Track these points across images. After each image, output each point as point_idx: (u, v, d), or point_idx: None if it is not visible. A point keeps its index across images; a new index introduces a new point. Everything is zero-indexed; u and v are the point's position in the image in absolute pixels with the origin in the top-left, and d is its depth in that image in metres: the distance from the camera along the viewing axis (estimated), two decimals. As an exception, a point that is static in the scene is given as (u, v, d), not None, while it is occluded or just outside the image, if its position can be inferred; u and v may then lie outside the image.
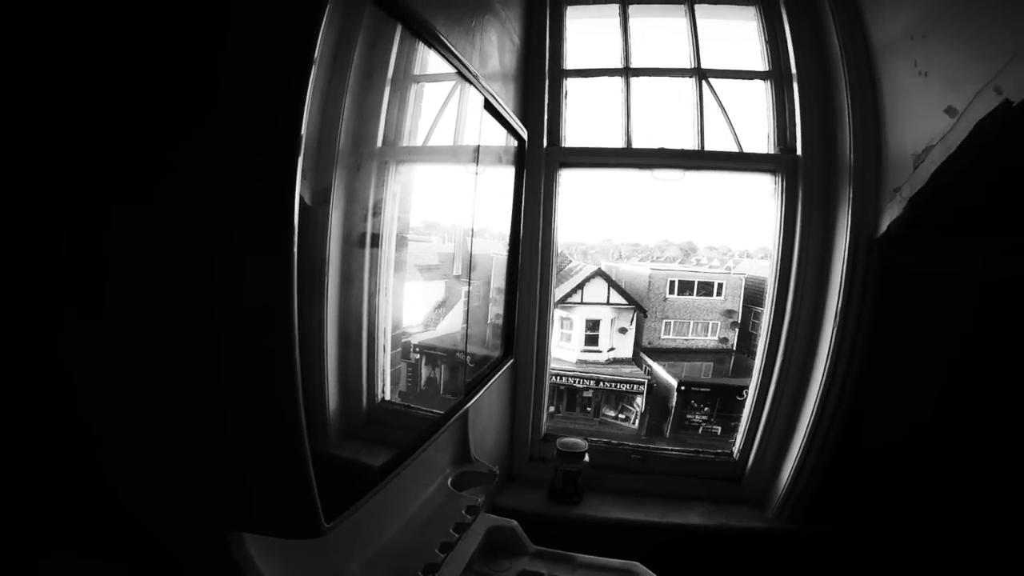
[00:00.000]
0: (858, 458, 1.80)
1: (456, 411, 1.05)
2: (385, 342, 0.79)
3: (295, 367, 0.51)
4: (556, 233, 2.03)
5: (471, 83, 1.01)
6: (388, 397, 0.83)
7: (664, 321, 11.03)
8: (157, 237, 0.55)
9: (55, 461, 0.58)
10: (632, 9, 2.04)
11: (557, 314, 9.81)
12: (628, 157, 1.99)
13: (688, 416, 9.57)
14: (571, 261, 11.29)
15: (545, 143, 1.96)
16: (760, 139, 1.95)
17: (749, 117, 2.02)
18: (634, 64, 2.03)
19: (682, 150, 1.96)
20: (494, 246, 1.54)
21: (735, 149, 1.93)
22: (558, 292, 10.15)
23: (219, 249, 0.53)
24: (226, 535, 0.59)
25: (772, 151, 1.91)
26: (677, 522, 1.89)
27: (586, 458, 1.91)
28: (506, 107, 1.23)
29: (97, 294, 0.55)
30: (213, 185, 0.53)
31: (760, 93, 2.00)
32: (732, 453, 2.08)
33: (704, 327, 10.99)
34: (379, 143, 0.75)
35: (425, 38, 0.81)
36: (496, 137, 1.38)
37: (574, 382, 9.20)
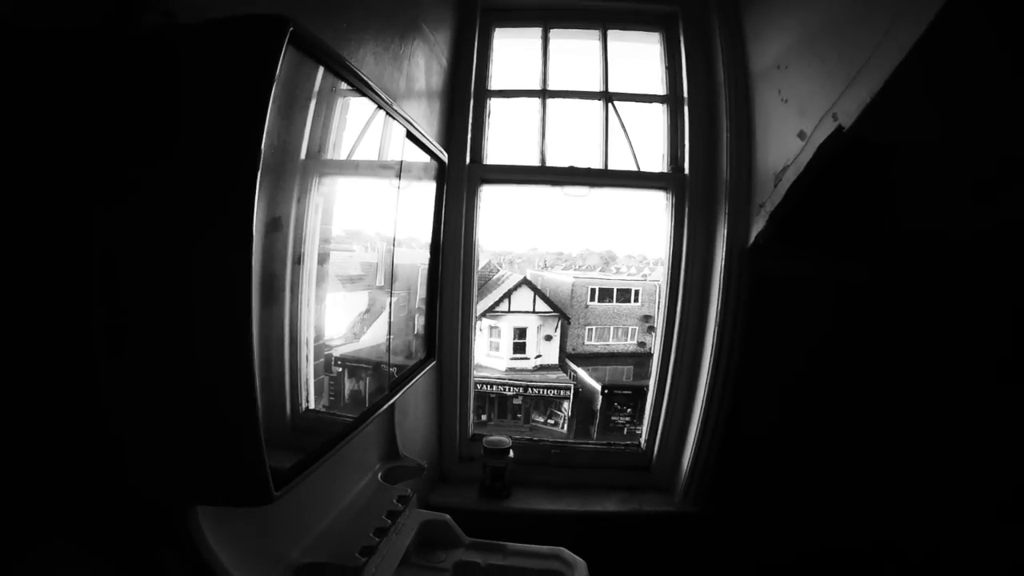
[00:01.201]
0: (742, 444, 2.00)
1: (382, 404, 1.10)
2: (308, 352, 0.82)
3: (251, 355, 0.58)
4: (477, 245, 2.13)
5: (394, 118, 1.08)
6: (312, 406, 0.86)
7: (587, 327, 11.51)
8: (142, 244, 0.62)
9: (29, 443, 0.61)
10: (554, 32, 2.19)
11: (486, 323, 9.92)
12: (542, 174, 2.13)
13: (613, 418, 10.02)
14: (499, 270, 11.48)
15: (468, 160, 2.06)
16: (657, 158, 2.14)
17: (649, 137, 2.20)
18: (551, 87, 2.18)
19: (589, 168, 2.11)
20: (418, 257, 1.59)
21: (634, 168, 2.10)
22: (487, 301, 10.28)
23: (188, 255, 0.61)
24: (186, 512, 0.65)
25: (665, 170, 2.10)
26: (596, 510, 2.02)
27: (511, 454, 2.01)
28: (427, 135, 1.31)
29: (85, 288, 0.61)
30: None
31: (659, 115, 2.17)
32: (640, 445, 2.23)
33: (624, 332, 11.59)
34: (302, 156, 0.78)
35: (351, 82, 0.87)
36: (420, 155, 1.46)
37: (504, 390, 9.36)
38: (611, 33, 2.19)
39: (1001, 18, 1.15)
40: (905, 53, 1.21)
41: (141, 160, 0.62)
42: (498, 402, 8.91)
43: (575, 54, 2.29)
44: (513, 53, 2.28)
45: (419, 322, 1.61)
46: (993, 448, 1.98)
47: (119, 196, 0.62)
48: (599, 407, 9.87)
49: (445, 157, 1.68)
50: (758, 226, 1.78)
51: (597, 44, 2.19)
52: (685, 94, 2.08)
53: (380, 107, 1.00)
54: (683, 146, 2.09)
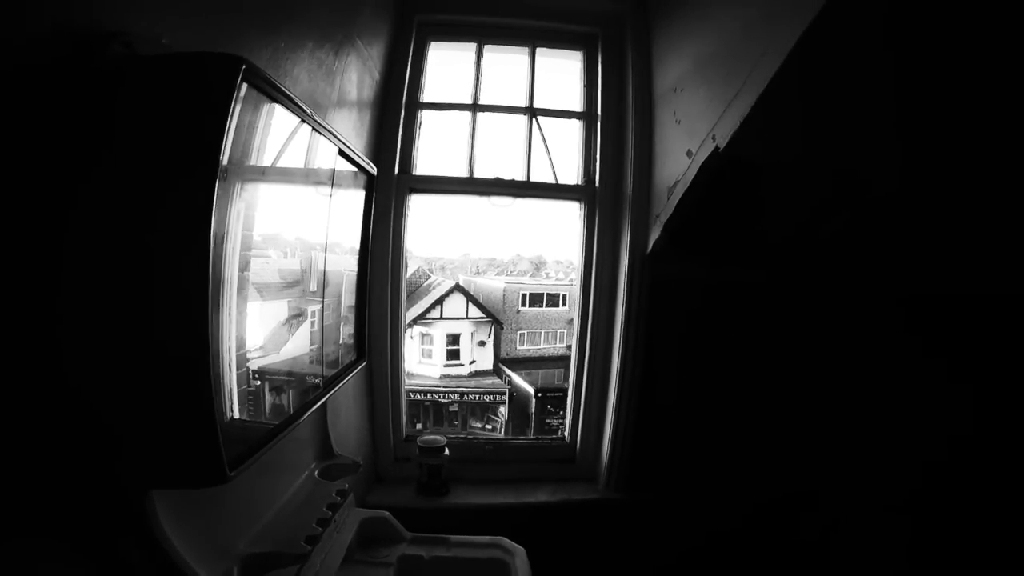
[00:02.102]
0: (652, 433, 2.20)
1: (318, 400, 1.17)
2: (231, 360, 0.84)
3: (207, 343, 0.67)
4: (405, 252, 2.22)
5: (327, 138, 1.16)
6: (238, 416, 0.88)
7: (519, 332, 11.74)
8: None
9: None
10: (487, 48, 2.32)
11: (418, 331, 9.86)
12: (469, 185, 2.26)
13: (547, 420, 10.31)
14: (430, 276, 11.44)
15: (397, 170, 2.14)
16: (574, 171, 2.31)
17: (568, 151, 2.35)
18: (481, 101, 2.30)
19: (513, 180, 2.26)
20: (347, 264, 1.63)
21: (552, 180, 2.28)
22: (418, 308, 10.21)
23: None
24: (145, 503, 0.72)
25: (579, 182, 2.29)
26: (530, 501, 2.16)
27: (446, 452, 2.11)
28: (357, 151, 1.38)
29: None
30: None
31: (576, 130, 2.33)
32: (565, 438, 2.40)
33: (554, 336, 11.95)
34: (225, 162, 0.81)
35: (291, 110, 0.95)
36: (349, 165, 1.55)
37: (439, 397, 9.36)
38: (539, 51, 2.34)
39: (846, 57, 1.41)
40: (767, 83, 1.40)
41: (88, 176, 0.70)
42: (433, 409, 8.89)
43: (506, 67, 2.44)
44: (449, 66, 2.39)
45: (348, 327, 1.68)
46: (867, 424, 2.35)
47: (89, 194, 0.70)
48: (533, 410, 10.11)
49: (374, 170, 1.76)
50: (655, 235, 1.99)
51: (526, 60, 2.34)
52: (599, 111, 2.26)
53: (315, 130, 1.09)
54: (595, 160, 2.26)
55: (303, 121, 1.01)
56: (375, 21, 1.91)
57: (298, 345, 1.14)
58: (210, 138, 0.70)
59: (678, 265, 2.07)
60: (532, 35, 2.31)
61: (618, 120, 2.22)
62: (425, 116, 2.27)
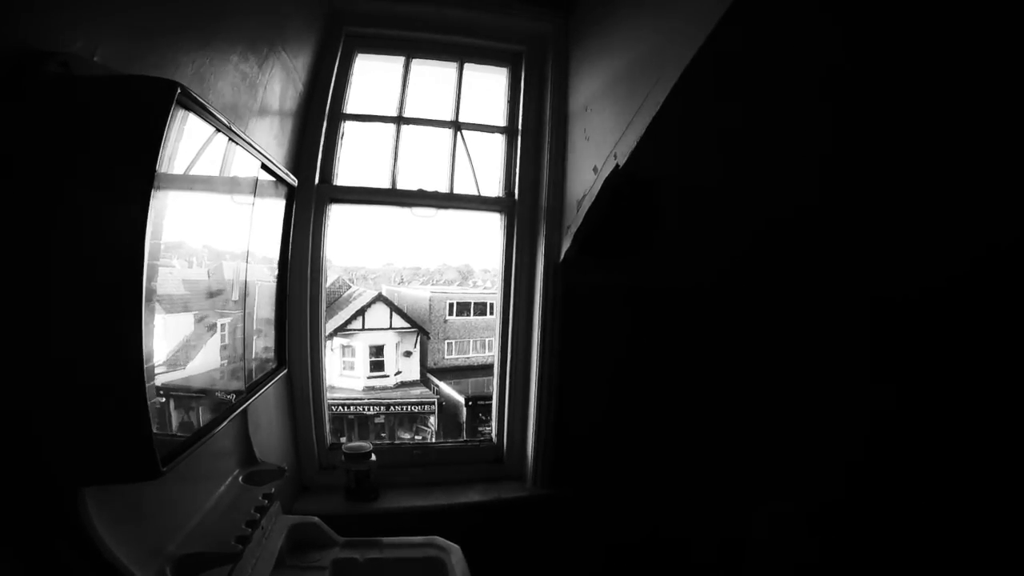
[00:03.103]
0: (572, 430, 2.35)
1: (241, 404, 1.21)
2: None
3: (140, 341, 0.73)
4: (325, 261, 2.26)
5: (245, 149, 1.19)
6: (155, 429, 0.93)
7: (446, 341, 11.74)
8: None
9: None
10: (416, 62, 2.39)
11: (338, 342, 9.59)
12: (392, 196, 2.33)
13: (479, 428, 10.38)
14: (350, 287, 11.16)
15: (317, 180, 2.18)
16: (496, 183, 2.45)
17: (491, 164, 2.48)
18: (407, 114, 2.36)
19: (435, 192, 2.35)
20: (264, 274, 1.64)
21: (475, 192, 2.40)
22: (338, 319, 9.94)
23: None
24: (76, 495, 0.76)
25: (501, 194, 2.43)
26: (462, 501, 2.23)
27: (373, 458, 2.16)
28: (277, 163, 1.44)
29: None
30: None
31: (499, 144, 2.46)
32: (491, 439, 2.52)
33: (483, 344, 12.08)
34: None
35: (216, 127, 1.01)
36: (270, 176, 1.58)
37: (364, 409, 9.15)
38: (467, 66, 2.43)
39: (725, 86, 1.63)
40: (658, 108, 1.58)
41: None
42: (358, 423, 8.68)
43: (434, 80, 2.51)
44: (377, 78, 2.45)
45: (262, 339, 1.70)
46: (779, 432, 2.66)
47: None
48: (465, 419, 10.15)
49: (295, 182, 1.80)
50: (566, 245, 2.18)
51: (454, 74, 2.43)
52: (520, 127, 2.40)
53: (234, 142, 1.11)
54: (515, 174, 2.40)
55: (219, 132, 1.05)
56: (303, 32, 1.96)
57: (206, 360, 1.12)
58: (146, 157, 0.77)
59: (587, 273, 2.27)
60: (461, 51, 2.41)
61: (537, 135, 2.38)
62: (351, 127, 2.32)
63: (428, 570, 1.51)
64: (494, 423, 2.54)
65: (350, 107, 2.31)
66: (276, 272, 1.74)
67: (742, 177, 1.98)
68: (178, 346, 1.01)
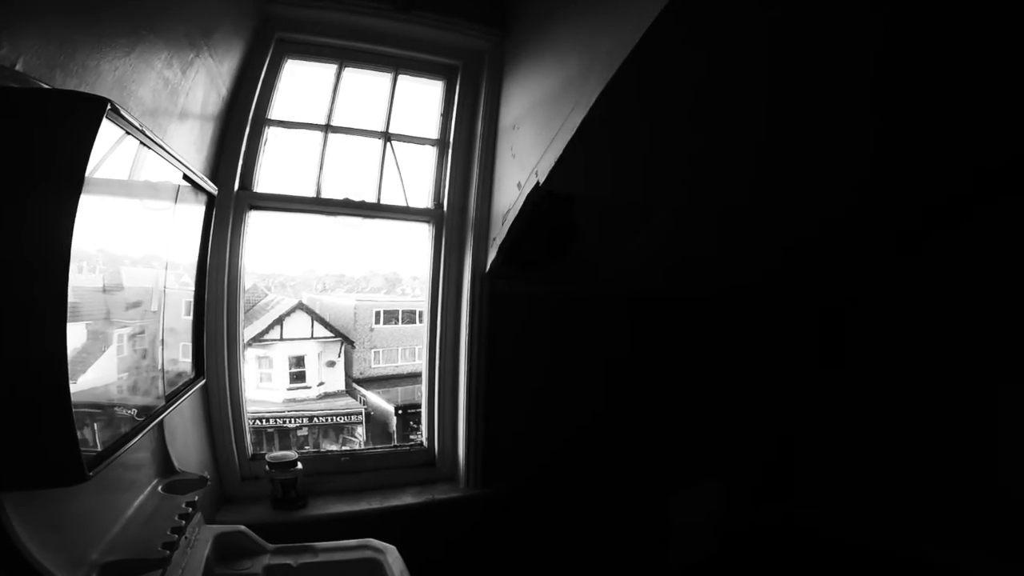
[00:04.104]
0: (501, 430, 2.48)
1: (162, 412, 1.23)
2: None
3: (65, 348, 0.78)
4: (243, 269, 2.24)
5: (164, 158, 1.21)
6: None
7: (373, 350, 11.51)
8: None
9: None
10: (350, 69, 2.40)
11: (254, 353, 9.14)
12: (316, 205, 2.34)
13: (411, 437, 10.24)
14: (267, 294, 10.66)
15: (237, 186, 2.16)
16: (425, 194, 2.53)
17: (422, 175, 2.54)
18: (338, 122, 2.36)
19: (362, 202, 2.38)
20: (183, 282, 1.64)
21: (403, 203, 2.47)
22: (254, 329, 9.47)
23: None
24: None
25: (430, 205, 2.51)
26: (395, 504, 2.27)
27: (299, 466, 2.16)
28: (197, 171, 1.45)
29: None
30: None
31: (431, 156, 2.52)
32: (423, 443, 2.59)
33: (412, 352, 11.95)
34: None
35: (141, 140, 1.04)
36: (188, 183, 1.57)
37: (284, 422, 8.76)
38: (403, 76, 2.46)
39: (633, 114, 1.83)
40: (575, 130, 1.77)
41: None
42: (279, 435, 8.31)
43: (367, 88, 2.52)
44: (307, 83, 2.43)
45: (186, 345, 1.68)
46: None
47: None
48: (395, 428, 9.99)
49: (214, 190, 1.79)
50: (492, 256, 2.32)
51: (388, 84, 2.45)
52: (451, 140, 2.47)
53: (148, 147, 1.12)
54: (445, 186, 2.48)
55: (143, 144, 1.08)
56: (232, 38, 1.94)
57: (121, 369, 1.10)
58: (75, 169, 0.82)
59: (512, 282, 2.43)
60: (396, 62, 2.44)
61: (468, 149, 2.47)
62: (279, 135, 2.31)
63: (365, 571, 1.53)
64: (424, 428, 2.62)
65: (277, 114, 2.30)
66: (194, 280, 1.73)
67: (655, 193, 2.22)
68: (88, 354, 0.99)
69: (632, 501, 2.96)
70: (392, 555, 1.54)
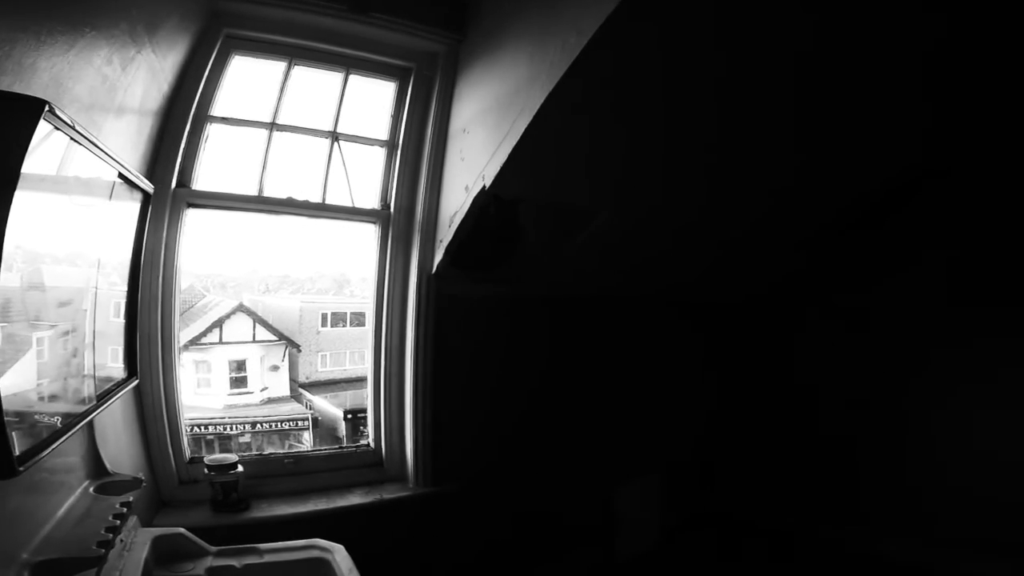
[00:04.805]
0: (448, 429, 2.52)
1: (89, 413, 1.22)
2: None
3: None
4: (179, 269, 2.21)
5: (99, 157, 1.21)
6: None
7: (320, 354, 11.24)
8: None
9: None
10: (300, 67, 2.38)
11: (192, 357, 8.76)
12: (257, 204, 2.33)
13: (361, 442, 10.04)
14: (206, 295, 10.22)
15: (175, 184, 2.13)
16: (373, 195, 2.55)
17: (369, 176, 2.56)
18: (286, 120, 2.34)
19: (307, 201, 2.38)
20: (115, 282, 1.62)
21: (349, 203, 2.48)
22: (191, 332, 9.06)
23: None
24: None
25: (377, 207, 2.53)
26: (342, 505, 2.28)
27: (239, 468, 2.14)
28: (131, 169, 1.44)
29: None
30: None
31: (380, 157, 2.54)
32: (369, 444, 2.60)
33: (360, 356, 11.73)
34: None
35: (67, 133, 1.03)
36: (123, 181, 1.55)
37: (225, 429, 8.43)
38: (354, 76, 2.46)
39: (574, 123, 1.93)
40: (519, 136, 1.87)
41: None
42: (219, 443, 7.99)
43: (316, 87, 2.50)
44: (252, 81, 2.39)
45: (117, 345, 1.66)
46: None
47: None
48: (344, 433, 9.80)
49: (151, 188, 1.77)
50: (438, 257, 2.38)
51: (338, 84, 2.45)
52: (401, 141, 2.50)
53: (80, 144, 1.11)
54: (393, 187, 2.51)
55: (76, 143, 1.09)
56: (177, 33, 1.91)
57: (46, 368, 1.08)
58: (10, 171, 0.84)
59: (459, 283, 2.50)
60: (349, 62, 2.44)
61: (417, 151, 2.51)
62: (221, 132, 2.28)
63: (313, 571, 1.53)
64: (371, 429, 2.64)
65: (221, 111, 2.26)
66: (127, 280, 1.71)
67: (597, 196, 2.35)
68: (9, 353, 0.96)
69: (579, 495, 3.10)
70: (340, 554, 1.55)
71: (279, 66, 2.38)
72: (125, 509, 1.32)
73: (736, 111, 2.07)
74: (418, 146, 2.51)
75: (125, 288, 1.70)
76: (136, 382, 1.77)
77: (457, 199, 2.31)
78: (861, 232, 3.23)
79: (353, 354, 12.16)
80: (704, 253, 3.03)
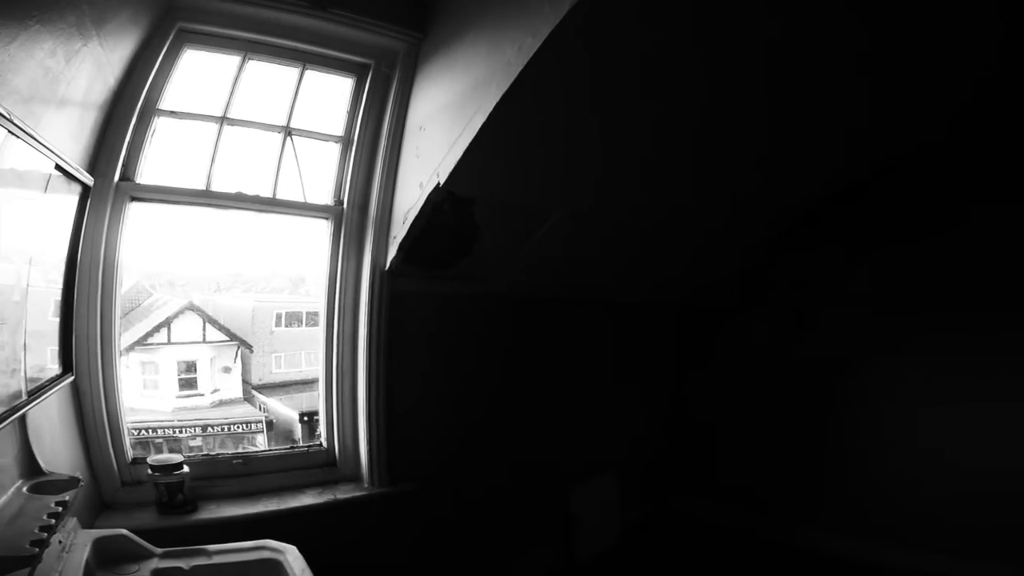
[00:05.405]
0: (402, 427, 2.54)
1: (19, 409, 1.20)
2: None
3: None
4: (120, 265, 2.15)
5: (40, 153, 1.21)
6: None
7: (274, 355, 10.97)
8: None
9: None
10: (255, 61, 2.35)
11: (138, 358, 8.41)
12: (206, 198, 2.28)
13: (318, 444, 9.85)
14: (153, 294, 9.82)
15: (117, 177, 2.08)
16: (326, 191, 2.54)
17: (323, 172, 2.54)
18: (234, 115, 2.30)
19: (256, 196, 2.36)
20: (50, 277, 1.59)
21: (301, 198, 2.47)
22: (136, 332, 8.70)
23: None
24: None
25: (330, 202, 2.52)
26: (294, 506, 2.25)
27: (185, 469, 2.10)
28: (70, 161, 1.42)
29: None
30: None
31: (334, 153, 2.53)
32: (322, 444, 2.57)
33: (316, 357, 11.49)
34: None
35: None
36: (61, 173, 1.51)
37: (174, 432, 8.13)
38: (310, 72, 2.44)
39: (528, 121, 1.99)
40: (475, 134, 1.92)
41: None
42: (168, 447, 7.71)
43: (271, 80, 2.48)
44: (204, 75, 2.35)
45: (52, 341, 1.62)
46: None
47: None
48: (300, 435, 9.60)
49: (90, 180, 1.74)
50: (391, 253, 2.38)
51: (294, 79, 2.43)
52: (356, 137, 2.50)
53: (26, 143, 1.12)
54: (346, 182, 2.51)
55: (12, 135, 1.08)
56: (127, 26, 1.87)
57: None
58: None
59: (413, 280, 2.53)
60: (306, 57, 2.43)
61: (372, 148, 2.51)
62: (169, 126, 2.24)
63: (264, 572, 1.52)
64: (323, 428, 2.62)
65: (170, 104, 2.22)
66: (63, 274, 1.67)
67: (549, 196, 2.42)
68: None
69: (538, 494, 3.17)
70: (292, 554, 1.54)
71: (233, 60, 2.35)
72: (61, 508, 1.29)
73: (671, 121, 2.20)
74: (374, 142, 2.51)
75: (61, 285, 1.67)
76: (71, 378, 1.73)
77: (412, 196, 2.33)
78: (802, 232, 3.43)
79: (309, 355, 11.88)
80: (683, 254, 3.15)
